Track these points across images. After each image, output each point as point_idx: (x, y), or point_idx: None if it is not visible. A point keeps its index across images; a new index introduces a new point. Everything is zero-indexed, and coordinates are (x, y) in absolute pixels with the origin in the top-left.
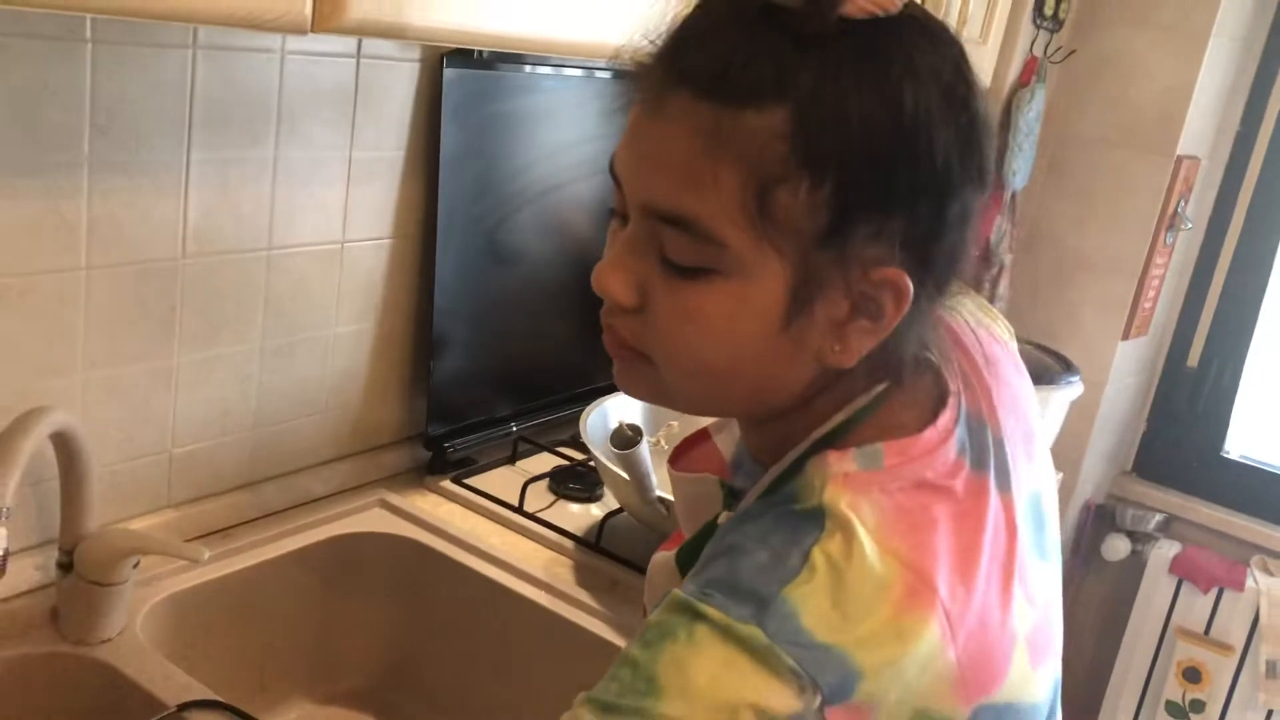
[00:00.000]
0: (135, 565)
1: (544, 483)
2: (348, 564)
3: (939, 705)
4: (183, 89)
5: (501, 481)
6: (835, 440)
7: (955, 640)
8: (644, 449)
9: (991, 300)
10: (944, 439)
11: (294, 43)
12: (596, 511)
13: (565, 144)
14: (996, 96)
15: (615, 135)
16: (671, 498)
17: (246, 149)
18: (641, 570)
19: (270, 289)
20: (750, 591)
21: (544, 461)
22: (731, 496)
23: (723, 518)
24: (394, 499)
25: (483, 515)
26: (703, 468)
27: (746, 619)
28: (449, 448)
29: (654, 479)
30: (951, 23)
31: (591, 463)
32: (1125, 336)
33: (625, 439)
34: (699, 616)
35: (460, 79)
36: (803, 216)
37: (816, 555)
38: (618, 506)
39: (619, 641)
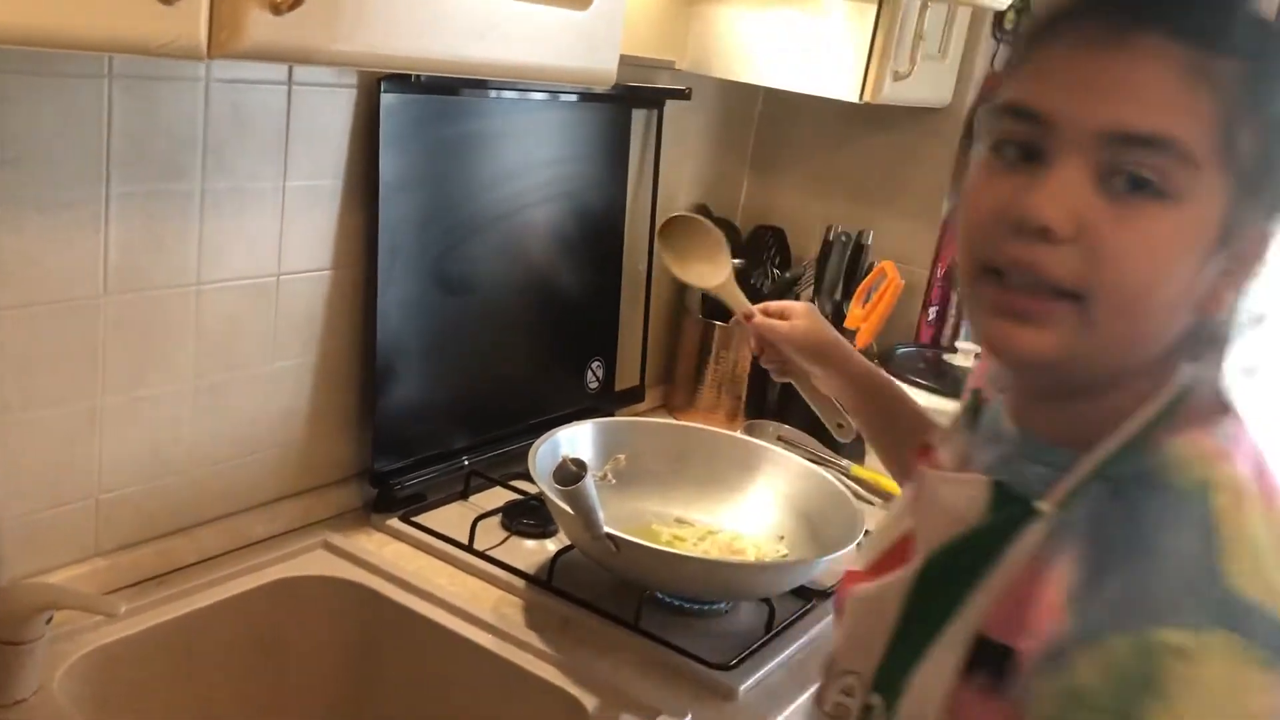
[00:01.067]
0: (48, 620)
1: (496, 519)
2: (289, 610)
3: None
4: (99, 120)
5: (452, 518)
6: (1178, 410)
7: None
8: (589, 484)
9: (959, 318)
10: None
11: (220, 70)
12: (551, 547)
13: (518, 168)
14: (956, 114)
15: (579, 157)
16: (621, 534)
17: (171, 182)
18: (595, 609)
19: (201, 325)
20: (1189, 593)
21: (497, 496)
22: (1005, 496)
23: (1041, 506)
24: (338, 540)
25: (431, 554)
26: None
27: (1207, 625)
28: (396, 484)
29: (601, 515)
30: (907, 40)
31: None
32: None
33: (569, 474)
34: (1153, 654)
35: (400, 104)
36: (1249, 159)
37: (1224, 526)
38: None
39: (569, 687)
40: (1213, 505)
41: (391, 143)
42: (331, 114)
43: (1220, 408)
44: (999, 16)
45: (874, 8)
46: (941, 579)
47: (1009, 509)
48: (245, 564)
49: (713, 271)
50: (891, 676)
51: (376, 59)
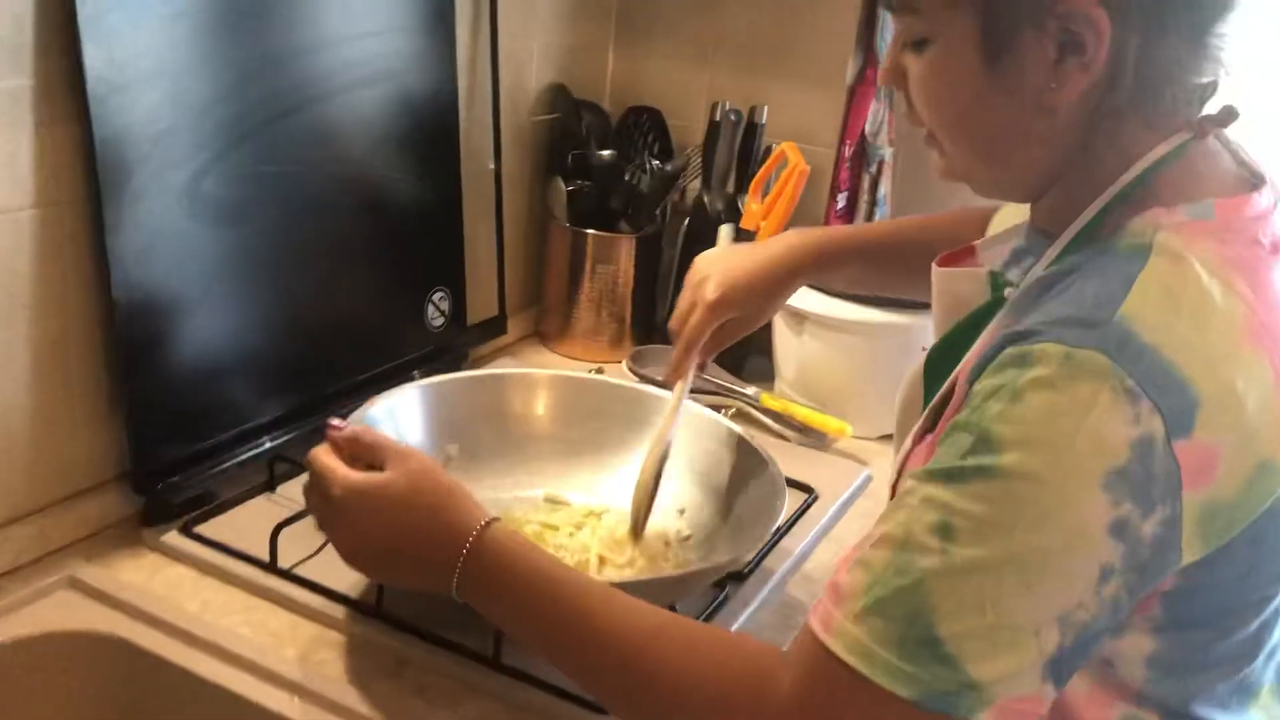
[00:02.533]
0: None
1: (311, 519)
2: (16, 684)
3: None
4: None
5: (253, 522)
6: (1138, 193)
7: None
8: None
9: (872, 204)
10: (1272, 209)
11: None
12: None
13: (299, 48)
14: None
15: (386, 30)
16: None
17: None
18: (440, 641)
19: None
20: (1081, 319)
21: None
22: (996, 284)
23: (1008, 293)
24: (90, 573)
25: (222, 580)
26: None
27: (1085, 344)
28: (170, 484)
29: None
30: None
31: None
32: None
33: None
34: (1027, 363)
35: None
36: None
37: (1147, 277)
38: None
39: None
40: (1146, 264)
41: (98, 22)
42: None
43: (1236, 190)
44: None
45: None
46: (942, 358)
47: (997, 294)
48: None
49: None
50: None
51: None
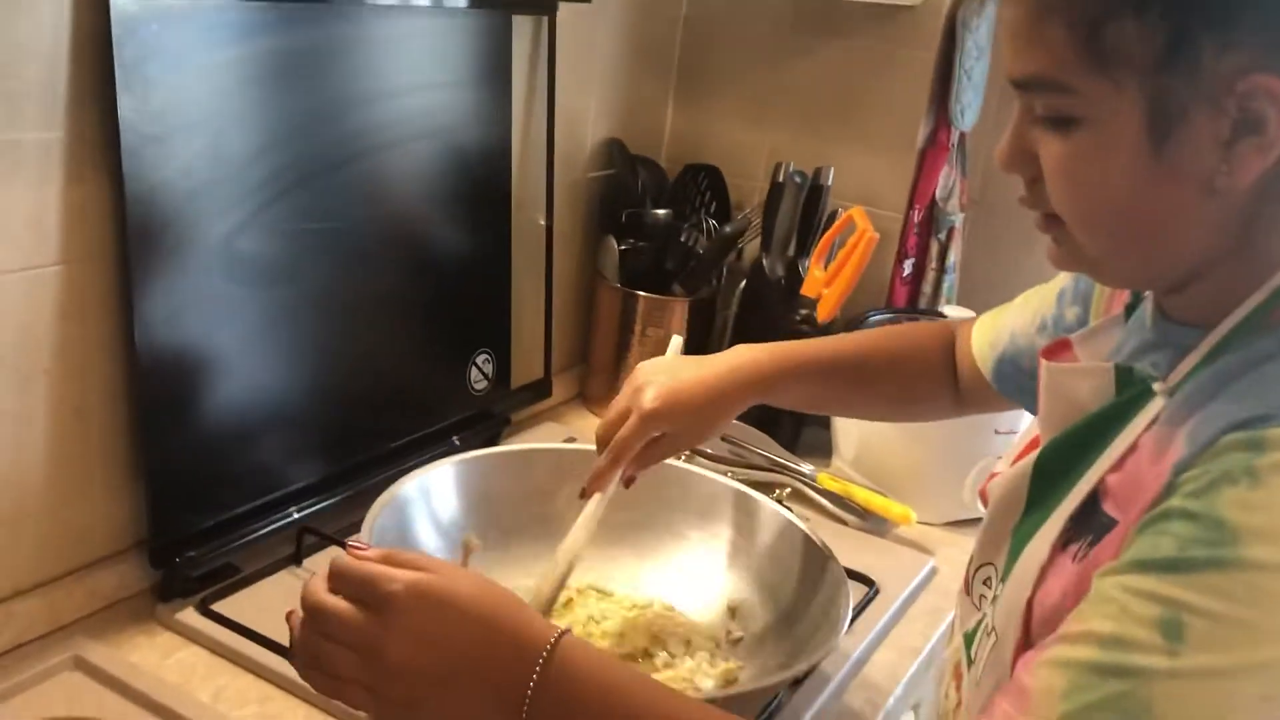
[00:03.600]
0: None
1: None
2: None
3: None
4: None
5: (279, 598)
6: None
7: None
8: None
9: (940, 272)
10: None
11: None
12: None
13: (347, 102)
14: (936, 12)
15: (440, 84)
16: None
17: None
18: None
19: None
20: None
21: None
22: (1127, 380)
23: (1158, 387)
24: (98, 653)
25: (240, 665)
26: None
27: None
28: (189, 558)
29: None
30: None
31: None
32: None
33: None
34: (1262, 447)
35: (143, 15)
36: (1135, 45)
37: None
38: None
39: None
40: None
41: (135, 73)
42: (27, 29)
43: None
44: None
45: None
46: (1061, 460)
47: (1129, 391)
48: None
49: None
50: (1014, 557)
51: None
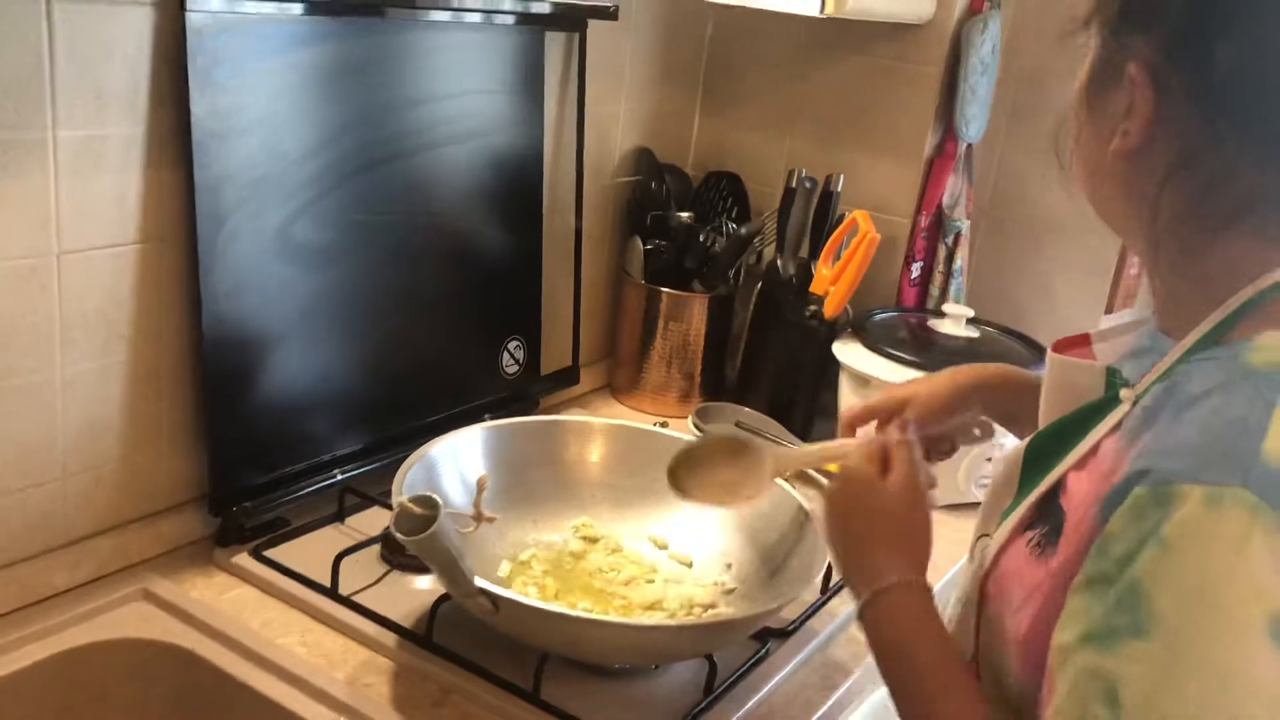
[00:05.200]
0: None
1: (374, 549)
2: (92, 683)
3: None
4: None
5: (320, 550)
6: (1267, 303)
7: None
8: (445, 529)
9: (947, 276)
10: None
11: None
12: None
13: (392, 107)
14: (941, 31)
15: (479, 91)
16: (498, 589)
17: None
18: (484, 674)
19: None
20: (1220, 454)
21: (379, 519)
22: (1112, 381)
23: (1124, 394)
24: (164, 587)
25: (285, 602)
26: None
27: (1228, 482)
28: (244, 509)
29: (469, 564)
30: None
31: None
32: (1109, 309)
33: (414, 521)
34: (1167, 505)
35: (214, 27)
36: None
37: None
38: None
39: None
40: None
41: (205, 75)
42: (116, 39)
43: None
44: None
45: None
46: (1047, 449)
47: (1111, 392)
48: (34, 626)
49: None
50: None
51: None
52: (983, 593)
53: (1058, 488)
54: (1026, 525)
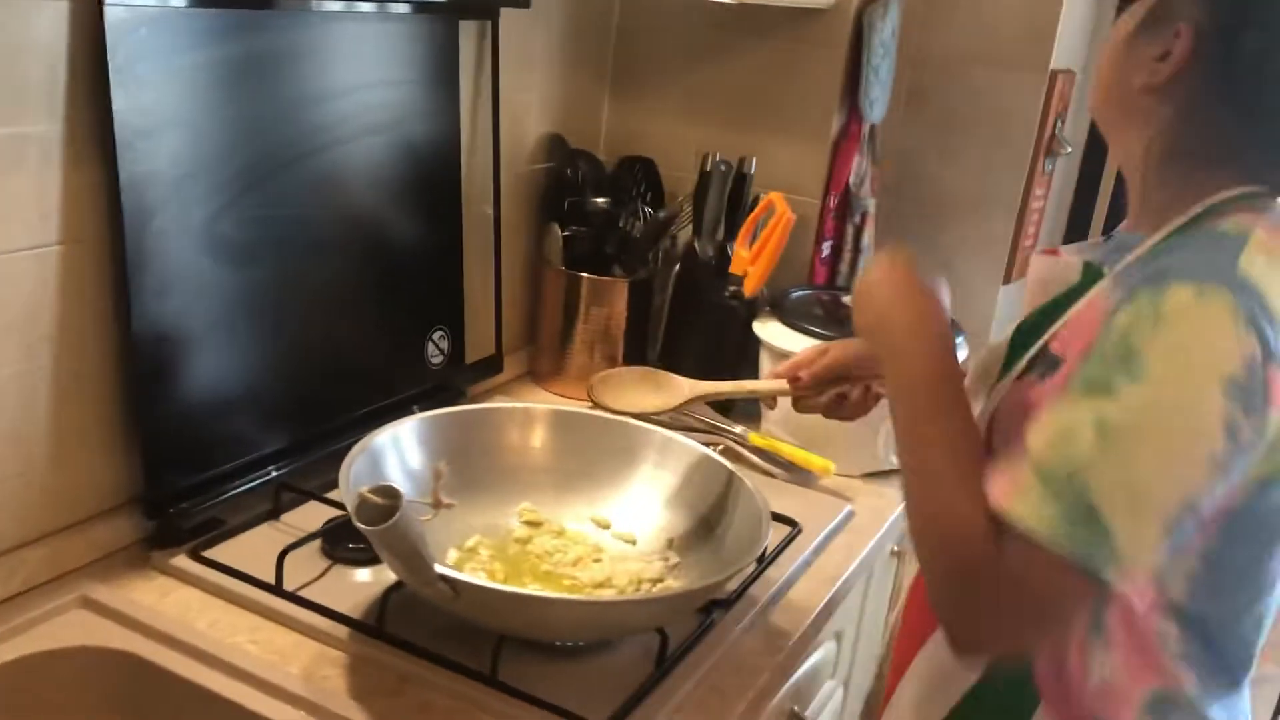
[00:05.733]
0: None
1: (315, 544)
2: (35, 697)
3: None
4: None
5: (259, 547)
6: (1231, 206)
7: None
8: (405, 518)
9: (856, 253)
10: None
11: None
12: (386, 577)
13: (311, 99)
14: (844, 15)
15: (394, 81)
16: (458, 575)
17: None
18: (440, 660)
19: None
20: (1205, 267)
21: (316, 514)
22: (1089, 271)
23: (1106, 270)
24: (103, 593)
25: (229, 601)
26: None
27: (1212, 281)
28: (180, 509)
29: (428, 553)
30: None
31: None
32: (1007, 280)
33: (375, 510)
34: (1164, 294)
35: (133, 20)
36: None
37: (1253, 248)
38: None
39: None
40: (1249, 240)
41: (126, 72)
42: (33, 33)
43: None
44: None
45: None
46: (1033, 329)
47: (1090, 277)
48: None
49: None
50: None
51: None
52: (989, 430)
53: (1048, 343)
54: (1022, 374)
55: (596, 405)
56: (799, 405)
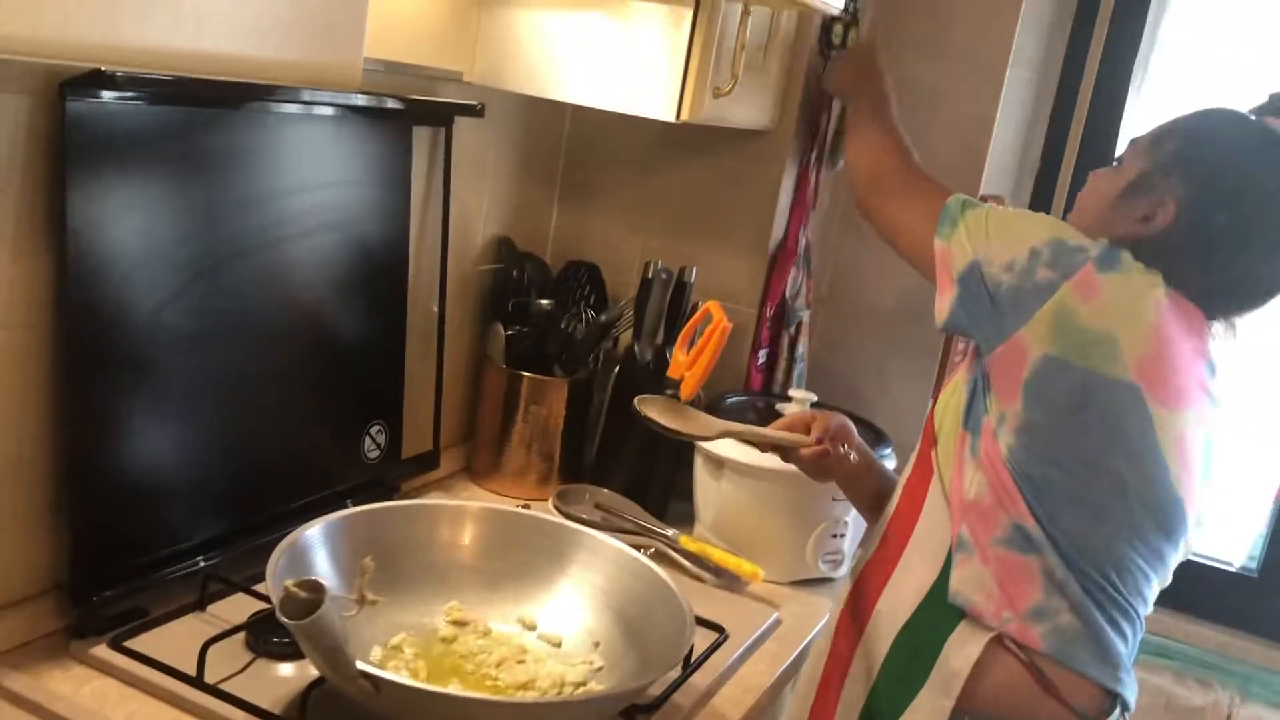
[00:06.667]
0: None
1: (239, 637)
2: None
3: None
4: None
5: (181, 639)
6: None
7: (1165, 332)
8: (328, 613)
9: (791, 362)
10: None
11: None
12: (309, 672)
13: (265, 196)
14: (782, 138)
15: (346, 182)
16: (380, 672)
17: None
18: None
19: None
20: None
21: (242, 606)
22: None
23: None
24: (19, 682)
25: (148, 693)
26: None
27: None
28: (104, 597)
29: (349, 649)
30: (727, 51)
31: None
32: (936, 394)
33: (299, 605)
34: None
35: (93, 116)
36: (1162, 158)
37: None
38: None
39: None
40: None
41: (83, 164)
42: None
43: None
44: (826, 30)
45: (689, 12)
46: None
47: None
48: None
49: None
50: None
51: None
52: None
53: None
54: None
55: (644, 419)
56: (791, 458)
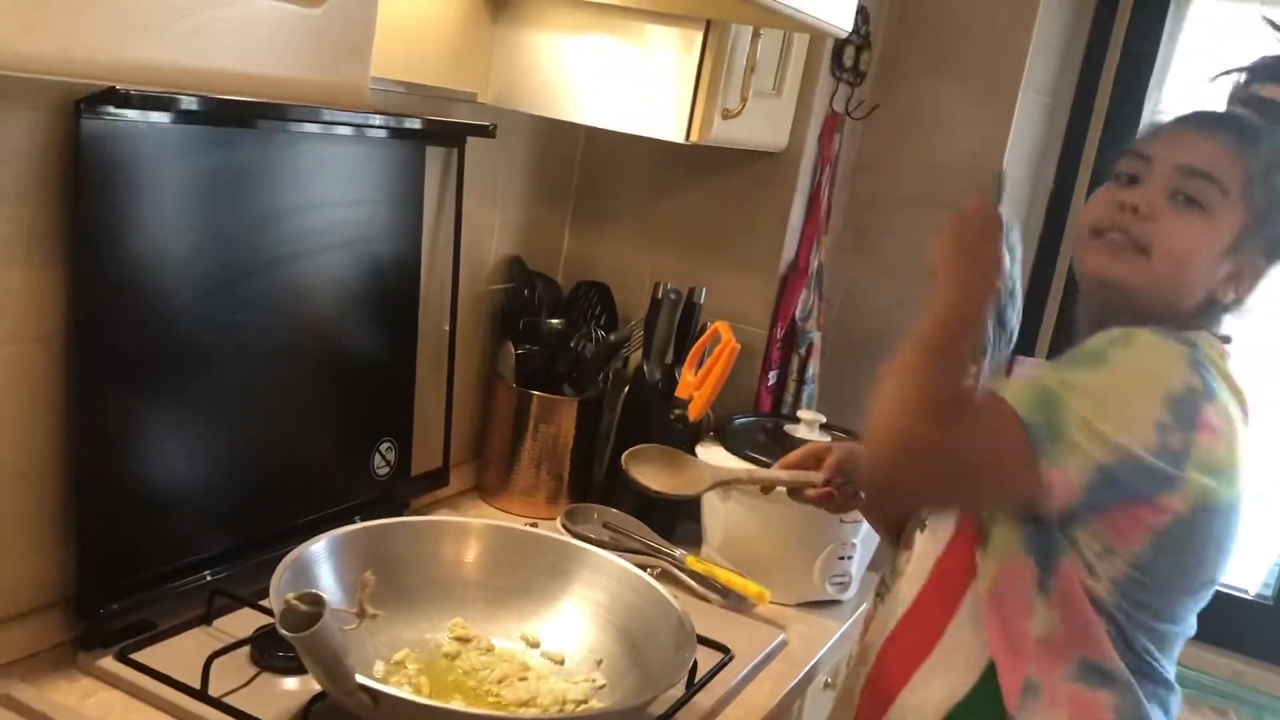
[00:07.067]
0: None
1: (244, 651)
2: None
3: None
4: None
5: (187, 652)
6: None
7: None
8: (328, 626)
9: (800, 383)
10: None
11: None
12: (312, 687)
13: (277, 213)
14: (794, 158)
15: (360, 200)
16: (378, 686)
17: None
18: None
19: None
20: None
21: (248, 620)
22: None
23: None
24: (26, 693)
25: (153, 705)
26: None
27: (1171, 339)
28: (111, 610)
29: (349, 662)
30: (737, 72)
31: None
32: None
33: (299, 618)
34: (1130, 333)
35: (108, 132)
36: (1259, 205)
37: (1204, 342)
38: None
39: None
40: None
41: (97, 180)
42: (9, 141)
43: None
44: (838, 52)
45: (700, 35)
46: None
47: None
48: None
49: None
50: None
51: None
52: None
53: None
54: None
55: (632, 480)
56: (800, 497)
